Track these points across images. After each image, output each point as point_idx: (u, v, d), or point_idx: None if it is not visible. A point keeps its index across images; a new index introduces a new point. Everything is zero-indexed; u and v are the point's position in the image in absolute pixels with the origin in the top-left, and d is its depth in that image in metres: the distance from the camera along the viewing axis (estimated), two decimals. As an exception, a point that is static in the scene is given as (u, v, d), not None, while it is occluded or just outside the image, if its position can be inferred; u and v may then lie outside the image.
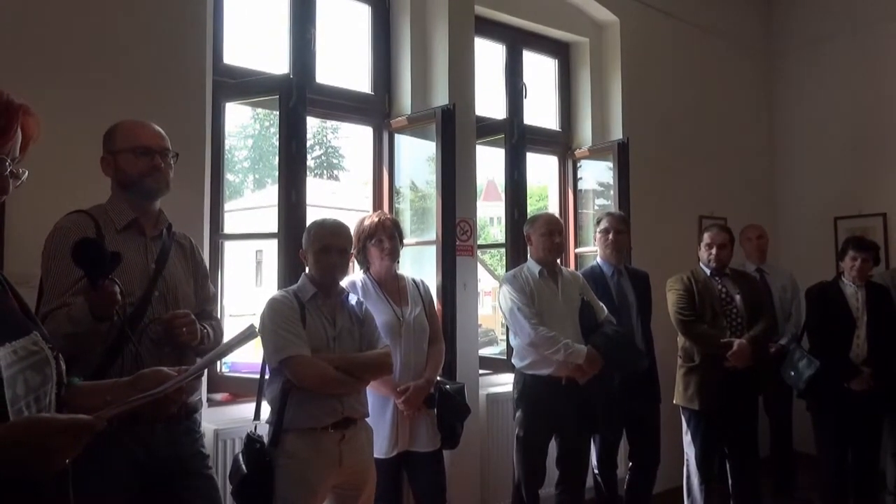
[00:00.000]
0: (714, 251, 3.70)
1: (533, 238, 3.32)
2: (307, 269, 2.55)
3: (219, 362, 2.99)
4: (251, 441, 2.34)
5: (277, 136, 3.03)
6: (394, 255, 2.90)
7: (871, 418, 3.74)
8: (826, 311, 3.81)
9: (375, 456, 2.66)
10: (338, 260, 2.46)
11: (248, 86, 3.13)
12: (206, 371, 2.65)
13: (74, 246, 1.59)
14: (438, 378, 2.92)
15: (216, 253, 3.01)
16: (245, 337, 1.44)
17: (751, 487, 3.71)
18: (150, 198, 2.04)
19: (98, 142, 2.08)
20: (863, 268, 3.77)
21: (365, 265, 2.94)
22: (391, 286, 2.93)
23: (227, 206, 3.31)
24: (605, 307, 3.35)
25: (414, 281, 3.03)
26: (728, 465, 3.76)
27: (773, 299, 4.43)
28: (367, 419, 2.55)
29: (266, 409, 2.44)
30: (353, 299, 2.58)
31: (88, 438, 1.07)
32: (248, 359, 3.09)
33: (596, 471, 3.60)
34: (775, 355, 4.10)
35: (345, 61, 4.28)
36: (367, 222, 2.91)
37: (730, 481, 3.75)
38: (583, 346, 3.09)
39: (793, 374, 3.81)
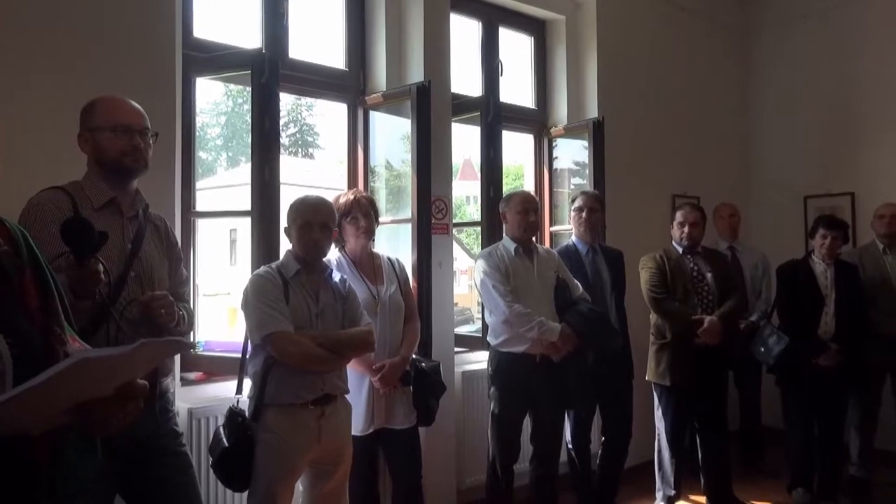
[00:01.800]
0: (686, 229, 3.75)
1: (508, 216, 3.32)
2: (291, 246, 2.54)
3: (192, 340, 2.96)
4: (233, 415, 2.38)
5: (250, 112, 2.99)
6: (369, 234, 2.90)
7: (837, 393, 3.83)
8: (796, 289, 3.88)
9: (352, 433, 2.68)
10: (320, 235, 2.45)
11: (218, 60, 3.06)
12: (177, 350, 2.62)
13: (64, 224, 1.59)
14: (414, 356, 2.94)
15: (188, 231, 2.97)
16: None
17: (720, 460, 3.79)
18: (129, 177, 2.01)
19: (65, 117, 2.03)
20: (832, 246, 3.84)
21: (340, 243, 2.93)
22: (366, 264, 2.92)
23: (200, 184, 3.26)
24: (579, 285, 3.38)
25: (389, 259, 3.03)
26: (698, 439, 3.84)
27: (744, 277, 4.50)
28: (347, 396, 2.56)
29: (248, 385, 2.45)
30: (336, 276, 2.58)
31: None
32: (221, 338, 3.07)
33: (570, 446, 3.65)
34: (745, 332, 4.18)
35: (318, 36, 4.22)
36: (342, 200, 2.90)
37: (699, 455, 3.83)
38: (557, 324, 3.11)
39: (762, 350, 3.89)
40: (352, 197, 2.90)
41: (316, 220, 2.45)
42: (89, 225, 1.61)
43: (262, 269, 2.49)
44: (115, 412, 1.19)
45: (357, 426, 2.75)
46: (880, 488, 4.14)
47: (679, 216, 3.81)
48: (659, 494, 3.82)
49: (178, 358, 2.68)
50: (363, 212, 2.86)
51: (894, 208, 4.21)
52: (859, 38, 5.14)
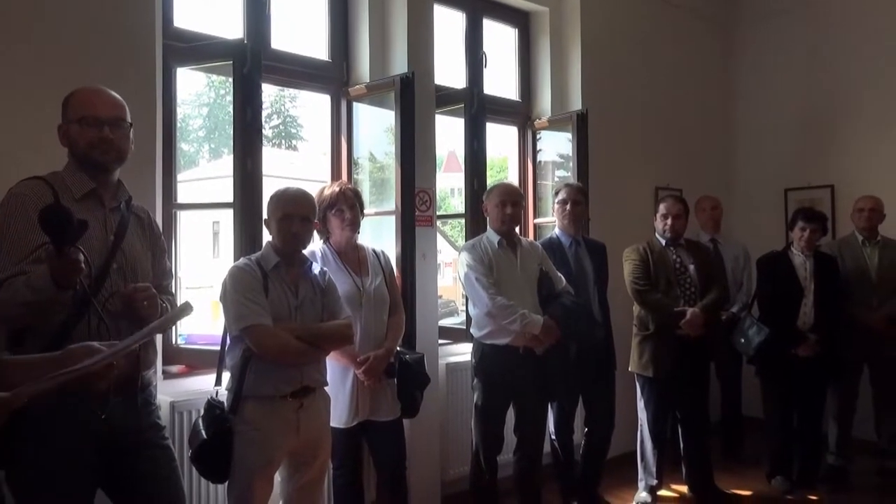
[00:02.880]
0: (669, 221, 3.77)
1: (489, 208, 3.32)
2: (271, 238, 2.53)
3: (174, 335, 2.94)
4: (211, 407, 2.36)
5: (232, 103, 2.96)
6: (355, 226, 2.89)
7: (815, 383, 3.89)
8: (775, 280, 3.92)
9: (336, 426, 2.68)
10: (300, 228, 2.43)
11: (199, 50, 3.03)
12: (159, 343, 2.61)
13: (42, 211, 1.56)
14: (398, 348, 2.94)
15: (169, 223, 2.95)
16: (180, 312, 1.41)
17: (701, 450, 3.84)
18: (99, 169, 1.97)
19: (43, 108, 2.00)
20: (811, 238, 3.89)
21: (325, 235, 2.92)
22: (351, 256, 2.91)
23: (182, 175, 3.23)
24: (563, 277, 3.39)
25: (374, 251, 3.02)
26: (680, 430, 3.88)
27: (725, 269, 4.53)
28: (326, 388, 2.56)
29: (227, 376, 2.44)
30: (316, 269, 2.57)
31: (5, 416, 1.04)
32: (203, 331, 3.06)
33: (553, 437, 3.68)
34: (726, 323, 4.22)
35: (301, 27, 4.19)
36: (327, 192, 2.88)
37: (681, 445, 3.87)
38: (539, 317, 3.12)
39: (743, 341, 3.93)
40: (337, 189, 2.88)
41: (296, 212, 2.43)
42: (67, 212, 1.58)
43: (242, 261, 2.48)
44: (104, 375, 1.26)
45: (341, 418, 2.75)
46: (858, 476, 4.20)
47: (662, 208, 3.83)
48: (641, 484, 3.86)
49: (160, 351, 2.66)
50: (348, 204, 2.85)
51: (873, 202, 4.26)
52: (840, 33, 5.18)
